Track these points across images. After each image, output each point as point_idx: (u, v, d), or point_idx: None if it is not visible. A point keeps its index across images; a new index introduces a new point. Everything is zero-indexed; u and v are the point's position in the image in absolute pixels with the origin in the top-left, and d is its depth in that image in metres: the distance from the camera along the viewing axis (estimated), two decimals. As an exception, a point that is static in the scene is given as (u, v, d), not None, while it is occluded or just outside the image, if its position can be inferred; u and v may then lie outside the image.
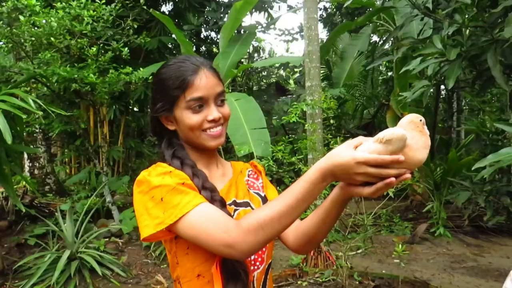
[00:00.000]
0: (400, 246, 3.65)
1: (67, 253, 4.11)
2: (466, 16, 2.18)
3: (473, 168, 1.62)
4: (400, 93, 3.64)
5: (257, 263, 1.09)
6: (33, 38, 4.60)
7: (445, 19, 2.19)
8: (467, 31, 2.50)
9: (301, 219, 1.11)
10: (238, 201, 1.12)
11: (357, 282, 3.82)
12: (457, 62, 2.04)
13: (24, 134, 5.62)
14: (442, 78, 2.31)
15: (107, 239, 5.19)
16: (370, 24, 8.10)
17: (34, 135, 6.80)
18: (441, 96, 9.34)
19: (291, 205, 0.88)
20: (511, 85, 2.82)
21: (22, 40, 4.72)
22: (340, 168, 0.86)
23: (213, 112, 1.06)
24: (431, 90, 7.64)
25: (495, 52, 1.93)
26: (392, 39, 7.39)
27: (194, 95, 1.04)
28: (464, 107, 11.14)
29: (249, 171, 1.25)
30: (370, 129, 9.40)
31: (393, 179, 0.84)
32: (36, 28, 4.65)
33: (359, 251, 4.70)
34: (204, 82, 1.05)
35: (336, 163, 0.86)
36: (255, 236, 0.88)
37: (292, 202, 0.88)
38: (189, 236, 0.94)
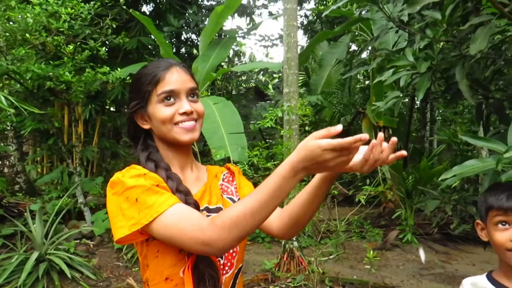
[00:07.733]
0: (371, 252, 3.73)
1: (35, 255, 4.02)
2: (438, 31, 2.26)
3: (439, 179, 1.68)
4: (374, 103, 3.73)
5: (226, 268, 1.10)
6: (7, 34, 4.51)
7: (417, 33, 2.27)
8: (440, 45, 2.60)
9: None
10: (210, 207, 1.13)
11: (328, 287, 3.87)
12: (427, 75, 2.12)
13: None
14: (413, 89, 2.39)
15: (77, 241, 5.10)
16: (349, 33, 8.25)
17: (5, 132, 6.60)
18: (415, 107, 9.57)
19: (263, 200, 0.88)
20: (478, 98, 2.94)
21: (-4, 35, 4.62)
22: (310, 159, 0.85)
23: (184, 105, 1.08)
24: (406, 100, 7.87)
25: (463, 67, 2.02)
26: (369, 48, 7.55)
27: (165, 88, 1.07)
28: (437, 118, 11.46)
29: (224, 174, 1.26)
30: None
31: (392, 156, 0.91)
32: (11, 23, 4.54)
33: (331, 256, 4.77)
34: (175, 77, 1.08)
35: (305, 156, 0.85)
36: (229, 233, 0.88)
37: (264, 198, 0.88)
38: (164, 236, 0.94)
